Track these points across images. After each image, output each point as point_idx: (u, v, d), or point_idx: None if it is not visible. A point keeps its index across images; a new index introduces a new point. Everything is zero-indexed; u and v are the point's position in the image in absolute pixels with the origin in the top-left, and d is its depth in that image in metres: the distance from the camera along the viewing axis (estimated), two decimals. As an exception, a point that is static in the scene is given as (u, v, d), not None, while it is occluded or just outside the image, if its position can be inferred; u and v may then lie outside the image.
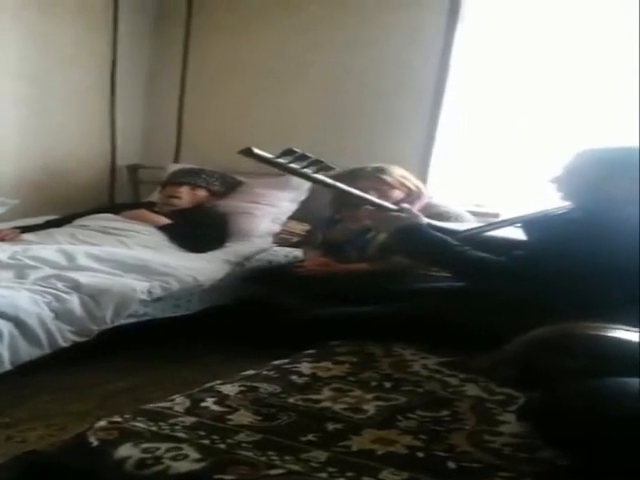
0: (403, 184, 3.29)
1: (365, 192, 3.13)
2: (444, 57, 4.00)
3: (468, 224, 2.78)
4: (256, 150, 2.09)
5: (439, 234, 2.41)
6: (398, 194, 3.26)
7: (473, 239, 2.46)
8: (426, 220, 2.51)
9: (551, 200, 2.48)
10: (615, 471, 1.26)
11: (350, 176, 3.27)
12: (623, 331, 1.62)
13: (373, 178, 3.25)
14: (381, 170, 3.28)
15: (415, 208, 3.15)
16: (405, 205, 2.57)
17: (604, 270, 2.08)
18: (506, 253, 2.32)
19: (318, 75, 4.38)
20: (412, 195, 3.28)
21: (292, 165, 2.17)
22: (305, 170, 2.23)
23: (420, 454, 1.42)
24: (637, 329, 1.65)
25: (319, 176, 2.30)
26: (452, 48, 3.98)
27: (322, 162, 2.22)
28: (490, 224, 2.65)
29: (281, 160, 2.14)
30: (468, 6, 3.95)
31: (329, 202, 3.58)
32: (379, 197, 3.12)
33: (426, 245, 2.41)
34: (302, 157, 2.17)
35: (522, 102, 3.87)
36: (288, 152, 2.13)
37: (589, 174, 2.31)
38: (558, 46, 3.76)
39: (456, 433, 1.53)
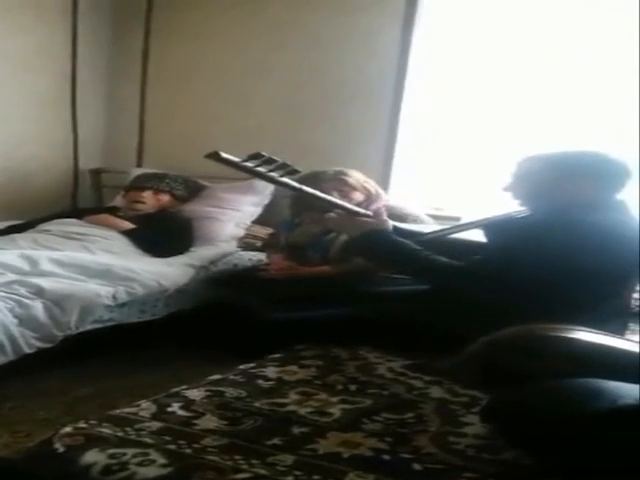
0: (364, 187, 3.33)
1: (327, 194, 3.18)
2: (402, 60, 4.03)
3: (430, 226, 2.81)
4: (223, 154, 2.10)
5: (402, 239, 2.42)
6: (359, 196, 3.29)
7: (436, 242, 2.49)
8: (392, 223, 2.53)
9: (511, 204, 2.51)
10: (577, 470, 1.29)
11: (312, 178, 3.29)
12: (585, 332, 1.65)
13: (335, 180, 3.28)
14: (342, 173, 3.32)
15: (373, 209, 3.21)
16: (377, 208, 2.59)
17: (556, 272, 2.11)
18: (467, 256, 2.35)
19: (280, 77, 4.39)
20: (371, 197, 3.32)
21: (259, 169, 2.19)
22: (272, 174, 2.24)
23: (385, 456, 1.44)
24: (598, 330, 1.67)
25: (286, 180, 2.31)
26: (410, 51, 4.01)
27: (289, 166, 2.23)
28: (454, 227, 2.69)
29: (248, 164, 2.15)
30: (424, 10, 3.99)
31: (288, 206, 3.60)
32: (341, 198, 3.17)
33: (389, 250, 2.42)
34: (269, 161, 2.18)
35: (481, 106, 3.91)
36: (255, 156, 2.14)
37: (535, 179, 2.38)
38: (516, 49, 3.80)
39: (421, 435, 1.55)
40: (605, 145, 3.32)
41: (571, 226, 2.19)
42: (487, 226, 2.50)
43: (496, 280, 2.19)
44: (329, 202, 2.59)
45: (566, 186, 2.31)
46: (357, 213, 2.55)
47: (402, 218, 3.15)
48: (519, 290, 2.14)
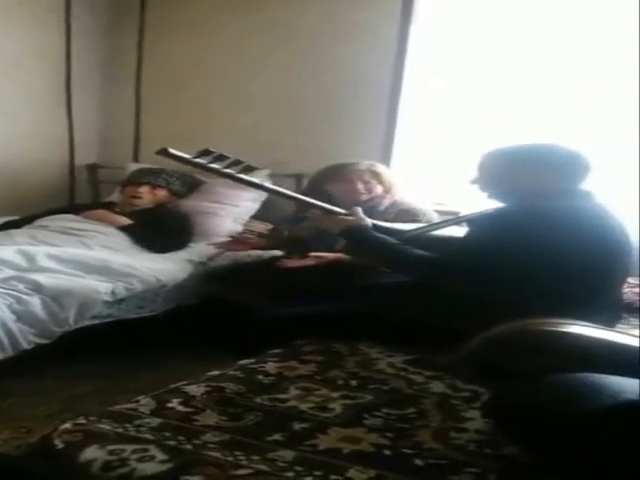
0: (389, 182, 3.37)
1: (353, 183, 3.22)
2: (400, 56, 4.02)
3: (409, 225, 2.84)
4: (172, 150, 2.13)
5: (380, 235, 2.51)
6: (379, 189, 3.31)
7: (417, 240, 2.55)
8: (371, 221, 2.59)
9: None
10: (578, 467, 1.28)
11: (341, 168, 3.33)
12: (582, 327, 1.64)
13: (368, 171, 3.32)
14: (374, 165, 3.39)
15: (384, 204, 3.23)
16: (356, 208, 2.62)
17: (527, 261, 2.18)
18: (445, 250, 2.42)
19: (277, 74, 4.37)
20: (387, 193, 3.34)
21: (213, 165, 2.19)
22: (228, 170, 2.24)
23: (387, 452, 1.44)
24: (591, 324, 1.67)
25: (244, 176, 2.32)
26: (407, 47, 4.00)
27: (243, 162, 2.23)
28: (433, 224, 2.79)
29: (200, 160, 2.16)
30: (421, 6, 3.97)
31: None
32: (364, 189, 3.22)
33: (368, 245, 2.53)
34: (221, 157, 2.19)
35: (479, 101, 3.90)
36: (205, 152, 2.16)
37: (497, 172, 2.49)
38: (513, 44, 3.79)
39: (422, 430, 1.55)
40: (605, 143, 3.37)
41: (537, 212, 2.28)
42: (468, 221, 2.59)
43: (470, 271, 2.27)
44: (302, 201, 2.70)
45: (526, 177, 2.41)
46: (334, 212, 2.63)
47: (411, 213, 3.18)
48: (494, 280, 2.20)
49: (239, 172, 2.29)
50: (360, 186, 3.27)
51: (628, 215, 2.57)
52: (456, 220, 2.67)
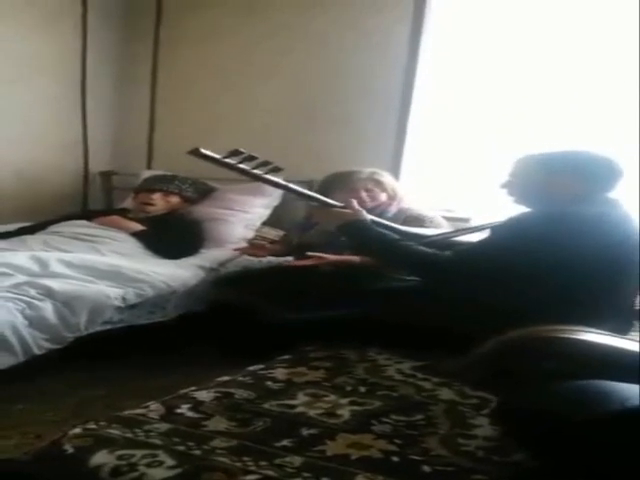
0: (393, 189, 3.36)
1: (357, 192, 3.22)
2: (411, 61, 4.02)
3: (429, 230, 2.85)
4: (203, 150, 2.15)
5: (382, 230, 2.54)
6: (383, 197, 3.32)
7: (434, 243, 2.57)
8: (370, 217, 2.60)
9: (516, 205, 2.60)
10: (587, 473, 1.28)
11: (345, 176, 3.33)
12: (592, 334, 1.64)
13: (370, 180, 3.32)
14: (378, 173, 3.37)
15: (392, 210, 3.23)
16: (352, 201, 2.64)
17: (543, 263, 2.20)
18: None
19: (288, 80, 4.39)
20: (393, 200, 3.33)
21: (241, 165, 2.21)
22: (255, 171, 2.27)
23: (395, 458, 1.43)
24: (605, 332, 1.67)
25: (268, 176, 2.35)
26: (418, 52, 4.01)
27: (270, 163, 2.26)
28: (455, 230, 2.80)
29: (229, 160, 2.18)
30: (433, 11, 3.98)
31: (306, 206, 3.61)
32: (367, 197, 3.23)
33: (369, 239, 2.54)
34: (250, 158, 2.21)
35: (490, 107, 3.90)
36: (235, 152, 2.19)
37: (528, 177, 2.50)
38: (525, 50, 3.79)
39: (430, 437, 1.55)
40: (614, 146, 3.35)
41: (558, 217, 2.29)
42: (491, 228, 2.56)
43: (473, 270, 2.29)
44: (309, 197, 2.69)
45: (557, 183, 2.42)
46: (333, 205, 2.65)
47: (419, 219, 3.18)
48: (499, 282, 2.21)
49: (266, 173, 2.33)
50: (364, 195, 3.27)
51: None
52: (480, 228, 2.67)
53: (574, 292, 2.18)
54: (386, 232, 2.53)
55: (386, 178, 3.40)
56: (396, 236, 2.51)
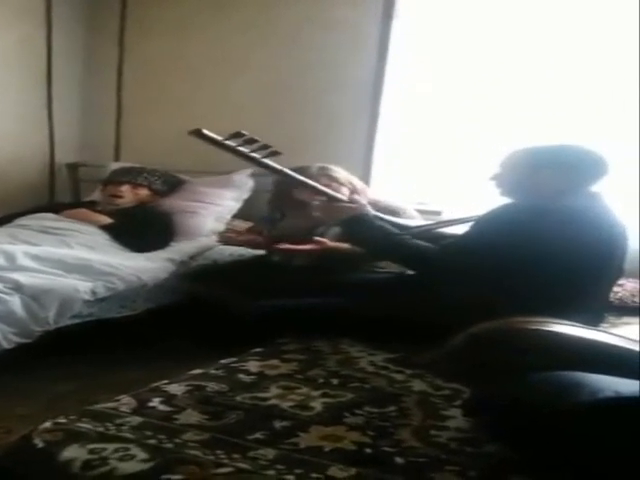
0: (350, 181, 3.34)
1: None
2: (382, 52, 4.03)
3: (414, 220, 2.86)
4: (205, 131, 2.15)
5: (385, 225, 2.57)
6: (345, 191, 3.29)
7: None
8: (373, 212, 2.63)
9: (491, 198, 2.64)
10: (558, 464, 1.29)
11: (298, 174, 3.29)
12: (564, 326, 1.65)
13: (322, 175, 3.28)
14: (328, 168, 3.32)
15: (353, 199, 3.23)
16: (356, 196, 2.64)
17: (525, 254, 2.24)
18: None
19: (257, 73, 4.38)
20: (357, 192, 3.32)
21: (241, 148, 2.21)
22: (254, 154, 2.27)
23: (368, 450, 1.43)
24: (578, 324, 1.68)
25: (267, 161, 2.36)
26: (389, 44, 4.01)
27: (270, 147, 2.26)
28: (444, 221, 2.82)
29: (230, 142, 2.18)
30: (403, 1, 3.99)
31: (267, 201, 3.60)
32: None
33: (371, 233, 2.56)
34: (250, 141, 2.22)
35: (462, 99, 3.91)
36: (237, 135, 2.18)
37: (516, 170, 2.53)
38: (497, 40, 3.80)
39: (403, 429, 1.55)
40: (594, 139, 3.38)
41: (542, 210, 2.32)
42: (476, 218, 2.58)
43: (470, 263, 2.31)
44: (313, 188, 2.72)
45: (543, 177, 2.45)
46: (340, 200, 2.68)
47: (392, 211, 3.18)
48: (494, 273, 2.24)
49: (266, 156, 2.33)
50: None
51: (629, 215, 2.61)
52: (468, 219, 2.69)
53: (556, 285, 2.21)
54: (388, 227, 2.56)
55: (339, 172, 3.37)
56: (396, 231, 2.54)
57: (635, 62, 3.41)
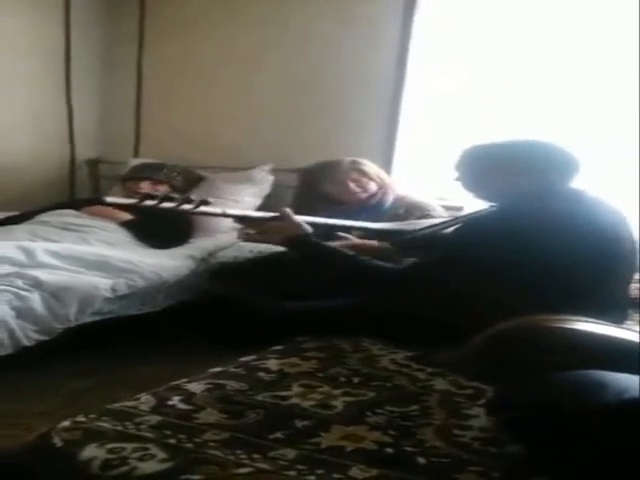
0: (379, 176, 3.33)
1: (344, 184, 3.19)
2: (402, 50, 4.01)
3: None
4: (110, 199, 2.17)
5: (326, 244, 2.50)
6: (373, 186, 3.28)
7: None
8: (307, 228, 2.54)
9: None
10: (580, 465, 1.26)
11: (329, 168, 3.30)
12: (586, 323, 1.63)
13: (353, 170, 3.27)
14: (360, 163, 3.32)
15: (389, 199, 3.20)
16: (285, 210, 2.58)
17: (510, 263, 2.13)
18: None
19: (277, 70, 4.37)
20: (385, 187, 3.30)
21: (166, 204, 2.25)
22: (185, 206, 2.35)
23: (389, 450, 1.41)
24: (603, 322, 1.65)
25: (203, 209, 2.44)
26: (410, 41, 3.98)
27: (192, 200, 2.35)
28: (427, 227, 2.75)
29: (149, 202, 2.19)
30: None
31: (293, 195, 3.59)
32: (357, 188, 3.18)
33: (319, 254, 2.49)
34: (167, 198, 2.28)
35: (482, 94, 3.88)
36: (146, 197, 2.18)
37: (480, 170, 2.43)
38: (517, 37, 3.77)
39: (425, 428, 1.53)
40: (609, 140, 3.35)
41: (511, 214, 2.24)
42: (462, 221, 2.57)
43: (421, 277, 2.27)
44: (236, 217, 2.77)
45: (512, 176, 2.34)
46: (265, 219, 2.61)
47: (422, 208, 3.16)
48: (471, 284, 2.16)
49: (197, 206, 2.38)
50: (352, 185, 3.24)
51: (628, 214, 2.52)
52: (449, 222, 2.64)
53: (547, 288, 2.12)
54: (329, 246, 2.49)
55: (369, 167, 3.35)
56: (344, 250, 2.47)
57: (635, 62, 3.38)
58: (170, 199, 2.25)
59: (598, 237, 2.20)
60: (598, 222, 2.23)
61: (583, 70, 3.61)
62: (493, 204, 2.44)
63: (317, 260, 2.51)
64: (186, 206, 2.32)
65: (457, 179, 2.50)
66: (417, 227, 2.74)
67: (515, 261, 2.11)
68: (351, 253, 2.43)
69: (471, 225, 2.40)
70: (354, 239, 2.85)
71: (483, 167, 2.41)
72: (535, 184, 2.31)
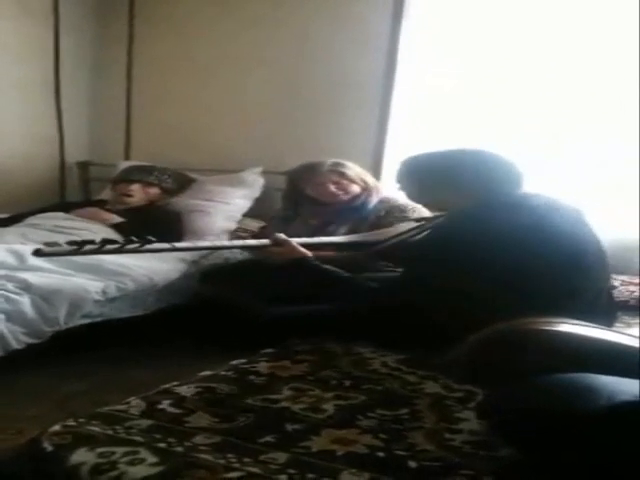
0: (361, 179, 3.31)
1: (324, 186, 3.17)
2: (392, 50, 3.99)
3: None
4: (47, 249, 2.15)
5: (326, 266, 2.46)
6: (355, 188, 3.27)
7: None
8: (306, 252, 2.54)
9: None
10: (570, 468, 1.26)
11: (309, 170, 3.28)
12: (572, 325, 1.63)
13: (333, 172, 3.26)
14: (340, 164, 3.30)
15: (373, 201, 3.19)
16: (279, 236, 2.58)
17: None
18: None
19: (269, 70, 4.35)
20: (368, 189, 3.29)
21: (110, 247, 2.24)
22: (130, 246, 2.31)
23: (380, 454, 1.41)
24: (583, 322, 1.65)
25: (150, 246, 2.38)
26: (399, 41, 3.97)
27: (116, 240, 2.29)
28: (399, 234, 2.72)
29: (91, 247, 2.18)
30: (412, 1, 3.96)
31: (281, 197, 3.58)
32: (338, 190, 3.17)
33: (320, 277, 2.47)
34: (108, 241, 2.25)
35: (472, 96, 3.87)
36: (74, 242, 2.17)
37: (415, 182, 2.47)
38: (507, 38, 3.76)
39: (416, 431, 1.53)
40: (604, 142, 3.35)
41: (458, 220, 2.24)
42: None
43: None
44: (219, 247, 2.85)
45: (454, 186, 2.36)
46: (264, 246, 2.61)
47: (401, 209, 3.15)
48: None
49: (142, 245, 2.35)
50: (332, 188, 3.23)
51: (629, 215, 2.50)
52: (419, 228, 2.63)
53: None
54: (332, 269, 2.46)
55: (351, 169, 3.32)
56: (340, 271, 2.44)
57: (635, 62, 3.37)
58: (112, 242, 2.25)
59: (564, 238, 2.16)
60: (560, 225, 2.19)
61: (576, 67, 3.58)
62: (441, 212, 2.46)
63: (317, 282, 2.51)
64: (130, 246, 2.30)
65: (400, 189, 2.53)
66: (383, 237, 2.73)
67: (482, 272, 2.07)
68: (346, 275, 2.42)
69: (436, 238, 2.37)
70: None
71: (423, 179, 2.44)
72: (481, 193, 2.30)
